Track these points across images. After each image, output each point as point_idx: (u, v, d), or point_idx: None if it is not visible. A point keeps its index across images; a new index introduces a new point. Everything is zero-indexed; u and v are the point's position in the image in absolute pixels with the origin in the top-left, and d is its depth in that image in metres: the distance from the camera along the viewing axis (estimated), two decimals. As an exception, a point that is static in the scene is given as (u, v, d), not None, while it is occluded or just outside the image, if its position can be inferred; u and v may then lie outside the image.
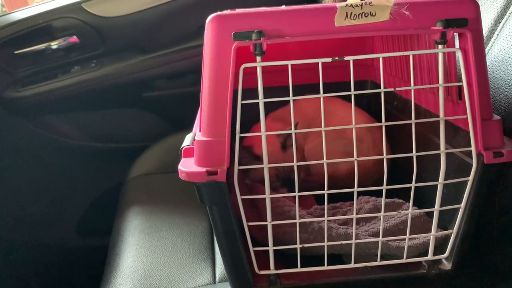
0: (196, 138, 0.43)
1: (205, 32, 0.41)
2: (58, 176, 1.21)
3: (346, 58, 0.39)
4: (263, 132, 0.41)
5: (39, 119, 1.16)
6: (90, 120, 1.20)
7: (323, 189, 0.43)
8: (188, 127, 0.56)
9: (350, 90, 0.42)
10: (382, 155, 0.44)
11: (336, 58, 0.39)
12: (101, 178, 1.22)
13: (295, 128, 0.43)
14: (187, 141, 0.48)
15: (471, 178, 0.43)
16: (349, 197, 0.45)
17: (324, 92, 0.41)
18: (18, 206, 1.16)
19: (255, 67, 0.40)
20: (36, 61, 1.11)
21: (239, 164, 0.42)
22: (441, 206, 0.45)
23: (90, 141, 1.21)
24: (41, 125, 1.16)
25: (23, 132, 1.15)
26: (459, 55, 0.42)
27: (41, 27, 1.07)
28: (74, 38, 1.11)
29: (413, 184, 0.43)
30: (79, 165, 1.22)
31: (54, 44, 1.10)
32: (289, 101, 0.41)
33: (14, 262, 1.11)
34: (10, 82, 1.11)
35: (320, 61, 0.39)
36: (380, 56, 0.41)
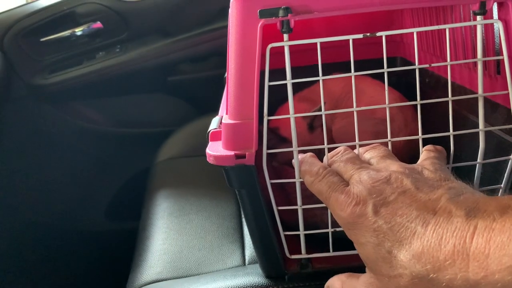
0: (223, 121, 0.42)
1: (230, 11, 0.40)
2: (86, 162, 1.23)
3: (379, 34, 0.38)
4: (291, 114, 0.40)
5: (67, 106, 1.18)
6: (116, 105, 1.22)
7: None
8: (213, 111, 0.55)
9: (379, 68, 0.40)
10: (414, 134, 0.43)
11: (368, 34, 0.37)
12: (129, 163, 1.24)
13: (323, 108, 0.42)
14: (213, 124, 0.47)
15: (512, 157, 0.41)
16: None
17: (352, 70, 0.39)
18: (47, 192, 1.18)
19: (280, 47, 0.39)
20: (61, 48, 1.12)
21: (267, 147, 0.41)
22: (479, 186, 0.43)
23: (117, 126, 1.23)
24: (68, 112, 1.18)
25: (51, 118, 1.17)
26: (499, 27, 0.39)
27: (65, 14, 1.08)
28: (98, 24, 1.11)
29: (450, 165, 0.42)
30: (106, 150, 1.24)
31: (78, 31, 1.11)
32: (314, 80, 0.40)
33: (44, 246, 1.14)
34: (38, 69, 1.13)
35: (351, 37, 0.37)
36: (414, 30, 0.39)
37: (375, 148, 0.41)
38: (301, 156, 0.41)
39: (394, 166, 0.37)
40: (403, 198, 0.33)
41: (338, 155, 0.40)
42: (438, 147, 0.42)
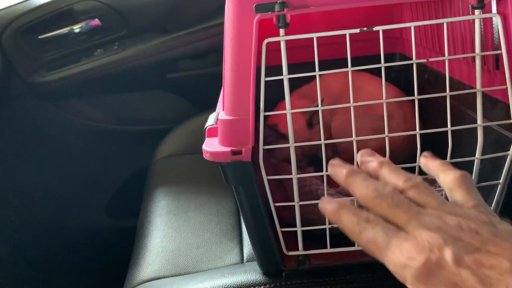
0: (219, 117, 0.42)
1: (226, 6, 0.39)
2: (85, 160, 1.23)
3: (376, 28, 0.37)
4: (288, 110, 0.40)
5: (65, 103, 1.18)
6: (115, 103, 1.21)
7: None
8: (212, 108, 0.55)
9: (378, 64, 0.40)
10: (413, 130, 0.42)
11: (365, 28, 0.37)
12: (128, 160, 1.24)
13: (321, 105, 0.41)
14: (210, 120, 0.47)
15: (511, 152, 0.40)
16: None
17: (351, 67, 0.39)
18: (47, 190, 1.18)
19: (278, 44, 0.38)
20: (59, 45, 1.11)
21: (264, 144, 0.41)
22: (477, 182, 0.43)
23: (116, 124, 1.22)
24: (67, 109, 1.18)
25: (50, 116, 1.17)
26: (497, 21, 0.39)
27: (63, 11, 1.07)
28: (96, 21, 1.11)
29: (448, 160, 0.41)
30: (105, 148, 1.23)
31: (76, 28, 1.10)
32: (313, 77, 0.39)
33: (45, 244, 1.14)
34: (36, 67, 1.12)
35: (347, 32, 0.37)
36: (412, 25, 0.39)
37: (416, 187, 0.33)
38: (338, 200, 0.33)
39: (458, 211, 0.31)
40: (487, 247, 0.29)
41: (384, 198, 0.32)
42: (464, 173, 0.35)
